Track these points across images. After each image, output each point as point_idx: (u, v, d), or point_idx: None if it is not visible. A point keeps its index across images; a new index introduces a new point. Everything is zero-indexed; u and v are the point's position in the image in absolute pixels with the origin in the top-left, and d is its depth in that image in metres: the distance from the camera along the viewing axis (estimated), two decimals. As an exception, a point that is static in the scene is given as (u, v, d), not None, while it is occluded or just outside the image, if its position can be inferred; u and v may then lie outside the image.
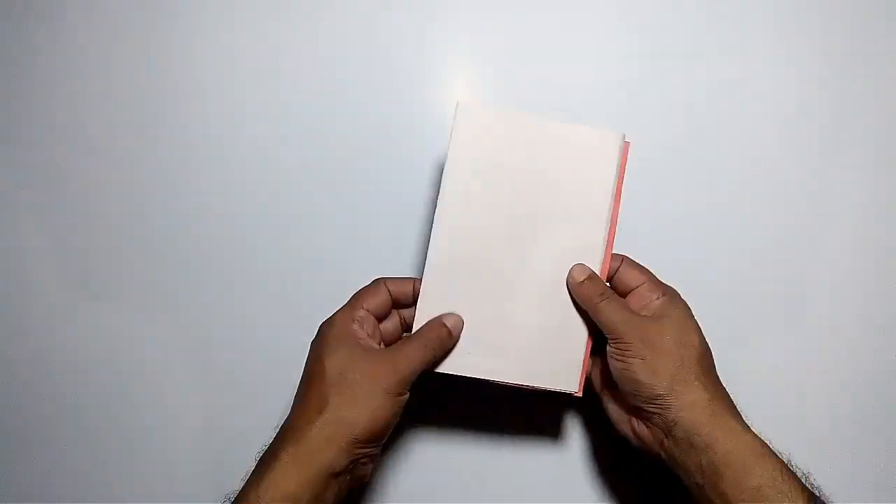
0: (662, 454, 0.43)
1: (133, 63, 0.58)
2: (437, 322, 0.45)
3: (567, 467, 0.56)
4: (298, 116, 0.57)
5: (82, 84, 0.58)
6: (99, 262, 0.58)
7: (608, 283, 0.48)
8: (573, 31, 0.57)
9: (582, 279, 0.46)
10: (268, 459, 0.41)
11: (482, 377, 0.46)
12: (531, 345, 0.46)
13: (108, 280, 0.57)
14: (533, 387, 0.46)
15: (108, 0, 0.58)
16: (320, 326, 0.45)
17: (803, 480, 0.41)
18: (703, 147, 0.57)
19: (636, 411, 0.44)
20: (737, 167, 0.57)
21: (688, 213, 0.57)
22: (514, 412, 0.56)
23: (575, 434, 0.56)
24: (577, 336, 0.47)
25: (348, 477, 0.42)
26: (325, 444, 0.40)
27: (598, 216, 0.46)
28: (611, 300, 0.45)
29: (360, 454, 0.42)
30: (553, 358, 0.46)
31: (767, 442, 0.41)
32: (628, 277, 0.47)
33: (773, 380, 0.56)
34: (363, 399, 0.41)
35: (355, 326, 0.44)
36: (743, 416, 0.43)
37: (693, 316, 0.45)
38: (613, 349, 0.44)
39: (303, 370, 0.45)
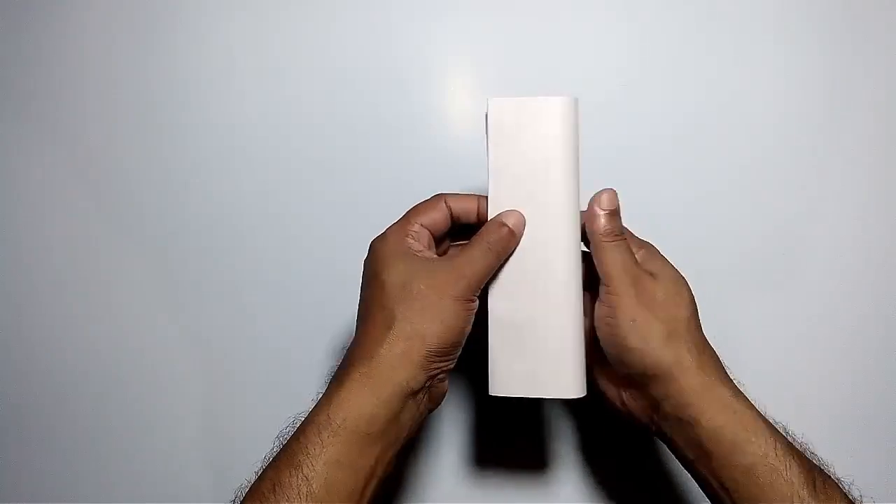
0: (652, 427, 0.41)
1: (136, 62, 0.58)
2: (496, 222, 0.41)
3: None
4: (301, 115, 0.57)
5: (82, 83, 0.58)
6: (99, 261, 0.57)
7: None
8: (571, 29, 0.58)
9: (608, 209, 0.41)
10: (336, 383, 0.38)
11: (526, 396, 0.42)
12: (536, 351, 0.42)
13: (108, 280, 0.57)
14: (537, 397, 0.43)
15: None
16: (372, 243, 0.42)
17: (802, 450, 0.38)
18: (699, 142, 0.57)
19: (626, 380, 0.41)
20: (734, 157, 0.57)
21: (685, 201, 0.57)
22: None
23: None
24: (569, 333, 0.42)
25: (426, 396, 0.40)
26: (399, 361, 0.38)
27: (556, 193, 0.42)
28: (621, 244, 0.40)
29: (436, 368, 0.39)
30: (548, 360, 0.42)
31: (762, 410, 0.38)
32: None
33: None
34: (432, 309, 0.38)
35: (410, 240, 0.41)
36: (731, 376, 0.40)
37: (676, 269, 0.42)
38: (604, 303, 0.40)
39: (360, 292, 0.42)
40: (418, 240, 0.41)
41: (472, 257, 0.40)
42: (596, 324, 0.41)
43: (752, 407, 0.38)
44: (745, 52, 0.57)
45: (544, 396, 0.42)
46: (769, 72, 0.57)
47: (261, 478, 0.37)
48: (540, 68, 0.58)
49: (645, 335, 0.38)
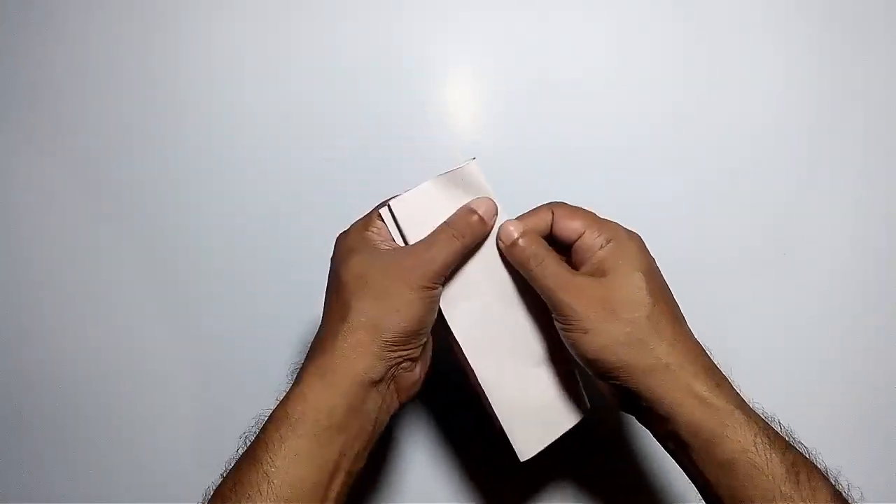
0: (638, 417, 0.40)
1: (136, 63, 0.58)
2: (466, 209, 0.40)
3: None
4: (301, 115, 0.57)
5: (79, 85, 0.58)
6: (98, 261, 0.58)
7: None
8: (572, 28, 0.58)
9: (515, 237, 0.41)
10: (296, 379, 0.38)
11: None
12: (540, 402, 0.43)
13: (108, 279, 0.57)
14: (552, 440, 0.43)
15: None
16: (336, 238, 0.42)
17: (787, 439, 0.37)
18: (697, 141, 0.57)
19: (600, 379, 0.40)
20: (733, 156, 0.57)
21: (680, 197, 0.58)
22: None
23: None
24: (555, 371, 0.43)
25: (391, 386, 0.40)
26: (355, 352, 0.37)
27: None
28: (545, 263, 0.40)
29: (396, 358, 0.38)
30: (551, 403, 0.43)
31: (747, 400, 0.37)
32: (565, 229, 0.41)
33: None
34: (387, 298, 0.38)
35: (370, 233, 0.41)
36: (724, 370, 0.39)
37: (643, 256, 0.40)
38: (557, 322, 0.39)
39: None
40: (380, 233, 0.41)
41: (432, 245, 0.39)
42: (559, 335, 0.40)
43: (732, 400, 0.37)
44: (744, 51, 0.57)
45: (564, 432, 0.43)
46: (767, 71, 0.57)
47: (224, 479, 0.37)
48: (540, 67, 0.58)
49: (601, 344, 0.38)
